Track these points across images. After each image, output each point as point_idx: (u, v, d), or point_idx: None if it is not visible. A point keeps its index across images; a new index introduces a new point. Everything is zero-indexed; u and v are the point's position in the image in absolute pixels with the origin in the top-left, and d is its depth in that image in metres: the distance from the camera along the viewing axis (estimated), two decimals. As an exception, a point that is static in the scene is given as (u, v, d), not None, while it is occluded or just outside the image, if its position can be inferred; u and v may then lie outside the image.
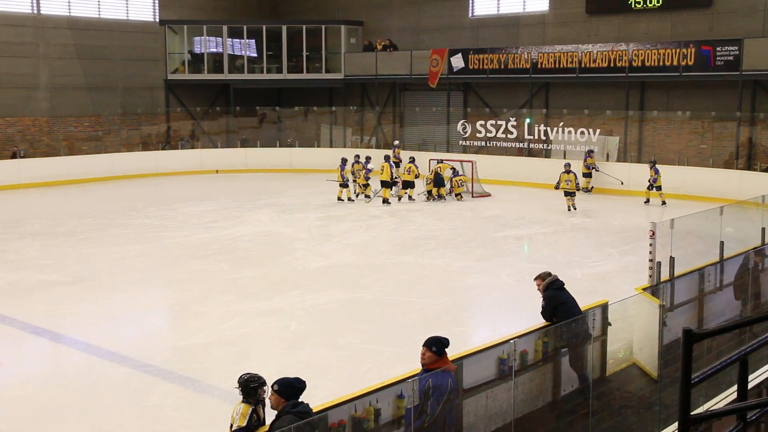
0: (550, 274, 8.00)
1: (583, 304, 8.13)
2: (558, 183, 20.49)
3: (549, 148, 25.43)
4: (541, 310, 7.88)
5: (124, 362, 9.58)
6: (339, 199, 21.92)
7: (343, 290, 12.66)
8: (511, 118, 26.25)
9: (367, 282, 13.20)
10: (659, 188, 20.96)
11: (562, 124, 24.98)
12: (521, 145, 26.15)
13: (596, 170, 22.94)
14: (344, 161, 22.64)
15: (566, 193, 20.01)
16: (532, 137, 25.75)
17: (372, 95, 31.34)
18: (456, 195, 22.06)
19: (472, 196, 22.75)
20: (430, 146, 29.28)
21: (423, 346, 5.88)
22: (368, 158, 22.72)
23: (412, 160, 22.34)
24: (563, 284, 7.95)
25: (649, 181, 21.16)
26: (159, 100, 30.71)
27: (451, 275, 13.72)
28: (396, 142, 26.07)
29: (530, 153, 26.15)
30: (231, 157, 29.63)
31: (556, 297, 7.80)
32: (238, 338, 10.37)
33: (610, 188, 23.18)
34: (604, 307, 7.83)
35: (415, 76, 29.26)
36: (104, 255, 15.15)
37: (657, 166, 21.21)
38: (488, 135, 26.61)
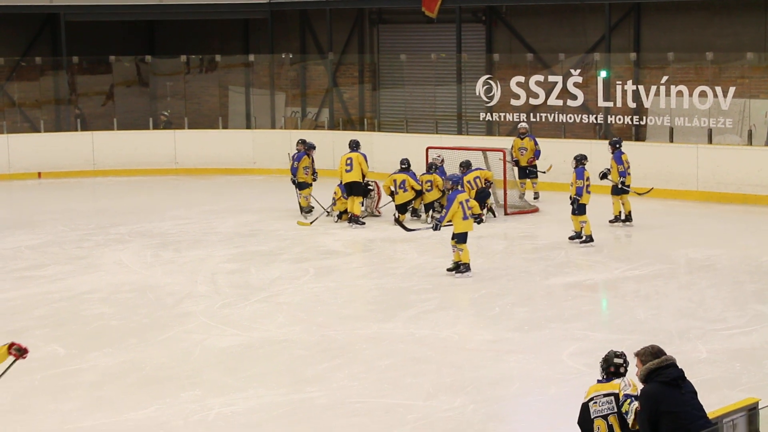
0: (658, 353, 8.02)
1: (711, 404, 8.16)
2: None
3: (643, 122, 25.62)
4: (633, 416, 7.90)
5: None
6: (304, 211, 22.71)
7: (276, 388, 12.61)
8: (572, 71, 26.47)
9: (320, 372, 13.16)
10: (624, 188, 21.29)
11: (665, 79, 25.22)
12: (592, 118, 26.29)
13: None
14: (303, 145, 23.18)
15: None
16: (611, 104, 25.95)
17: (321, 33, 31.39)
18: (426, 211, 22.33)
19: (506, 213, 22.87)
20: (427, 123, 29.37)
21: None
22: (436, 164, 22.84)
23: (434, 168, 22.46)
24: (681, 375, 7.95)
25: (606, 175, 21.36)
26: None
27: (471, 357, 13.70)
28: (523, 125, 25.24)
29: (609, 133, 26.29)
30: (65, 150, 29.59)
31: (661, 396, 7.79)
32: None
33: (752, 192, 23.38)
34: (752, 413, 7.85)
35: (397, -4, 29.45)
36: None
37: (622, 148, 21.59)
38: (532, 102, 26.77)
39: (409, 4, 29.20)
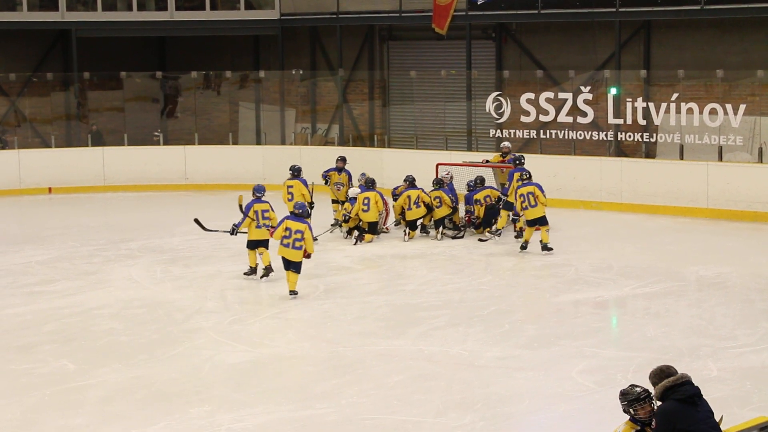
0: (670, 371, 7.99)
1: (723, 422, 8.12)
2: None
3: (653, 140, 25.59)
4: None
5: None
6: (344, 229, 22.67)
7: (285, 404, 12.60)
8: (583, 88, 26.46)
9: (329, 388, 13.16)
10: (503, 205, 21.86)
11: (675, 96, 25.19)
12: (602, 135, 26.30)
13: None
14: (343, 160, 23.44)
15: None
16: (621, 121, 25.94)
17: (331, 49, 31.43)
18: (436, 227, 22.34)
19: (516, 230, 22.85)
20: (437, 140, 29.38)
21: None
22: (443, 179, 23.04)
23: (437, 184, 22.46)
24: (697, 393, 7.92)
25: (501, 197, 21.94)
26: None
27: (479, 374, 13.69)
28: (506, 144, 24.70)
29: (619, 150, 26.29)
30: (75, 165, 29.66)
31: (676, 415, 7.75)
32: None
33: (763, 209, 23.35)
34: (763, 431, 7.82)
35: (407, 14, 29.43)
36: None
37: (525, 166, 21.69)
38: (542, 119, 26.76)
39: (419, 21, 29.23)
